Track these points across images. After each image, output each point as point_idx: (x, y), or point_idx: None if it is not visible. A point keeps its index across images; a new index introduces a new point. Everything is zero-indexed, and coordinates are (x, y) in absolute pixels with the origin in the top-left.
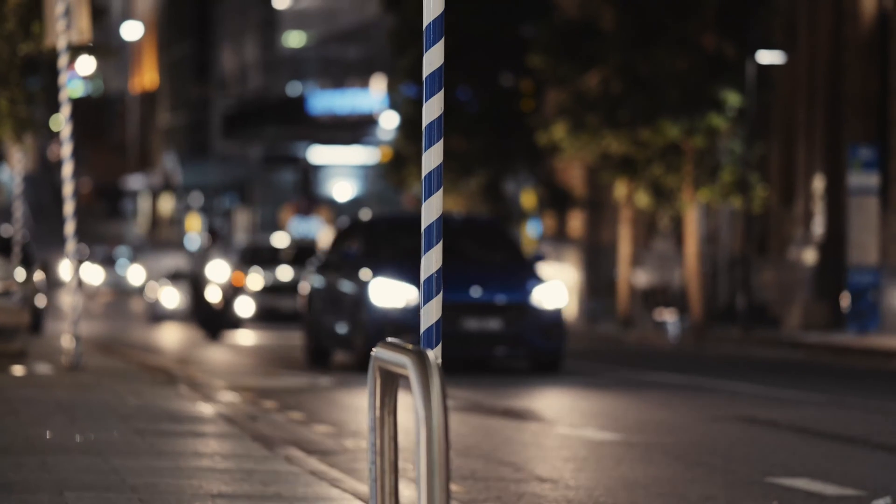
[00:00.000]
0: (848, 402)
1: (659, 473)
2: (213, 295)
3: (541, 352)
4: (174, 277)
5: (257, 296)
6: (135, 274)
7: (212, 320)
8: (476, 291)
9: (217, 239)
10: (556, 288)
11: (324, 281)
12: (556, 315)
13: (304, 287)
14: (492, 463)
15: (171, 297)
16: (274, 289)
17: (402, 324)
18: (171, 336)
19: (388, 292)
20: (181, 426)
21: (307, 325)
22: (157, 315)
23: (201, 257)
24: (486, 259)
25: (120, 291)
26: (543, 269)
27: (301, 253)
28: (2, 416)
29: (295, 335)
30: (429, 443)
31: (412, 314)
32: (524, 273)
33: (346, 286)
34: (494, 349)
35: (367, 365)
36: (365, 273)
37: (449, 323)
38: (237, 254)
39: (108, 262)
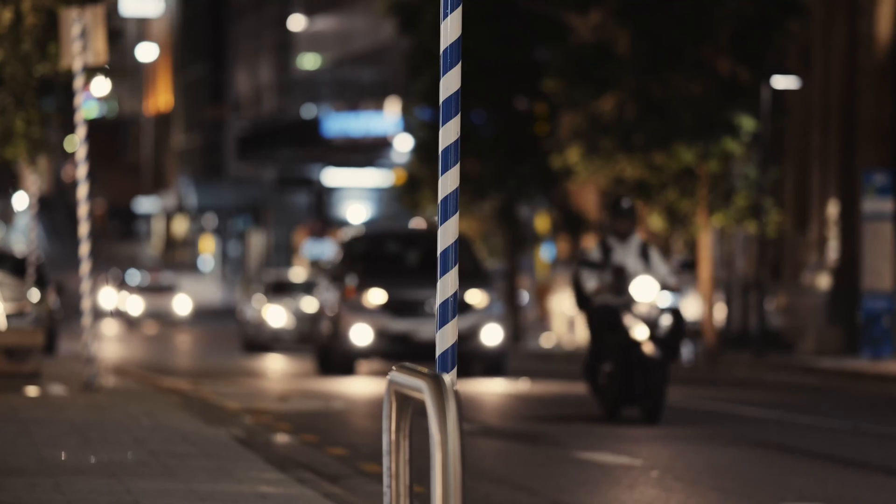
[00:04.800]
0: (861, 427)
1: (673, 498)
2: (640, 333)
3: None
4: (277, 290)
5: (376, 317)
6: (181, 303)
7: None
8: None
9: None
10: None
11: None
12: None
13: None
14: (506, 487)
15: (277, 315)
16: (401, 307)
17: None
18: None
19: None
20: (195, 448)
21: None
22: (258, 341)
23: (602, 261)
24: None
25: (166, 323)
26: None
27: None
28: (15, 436)
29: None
30: (444, 466)
31: None
32: None
33: None
34: None
35: None
36: None
37: None
38: (331, 260)
39: (150, 289)
